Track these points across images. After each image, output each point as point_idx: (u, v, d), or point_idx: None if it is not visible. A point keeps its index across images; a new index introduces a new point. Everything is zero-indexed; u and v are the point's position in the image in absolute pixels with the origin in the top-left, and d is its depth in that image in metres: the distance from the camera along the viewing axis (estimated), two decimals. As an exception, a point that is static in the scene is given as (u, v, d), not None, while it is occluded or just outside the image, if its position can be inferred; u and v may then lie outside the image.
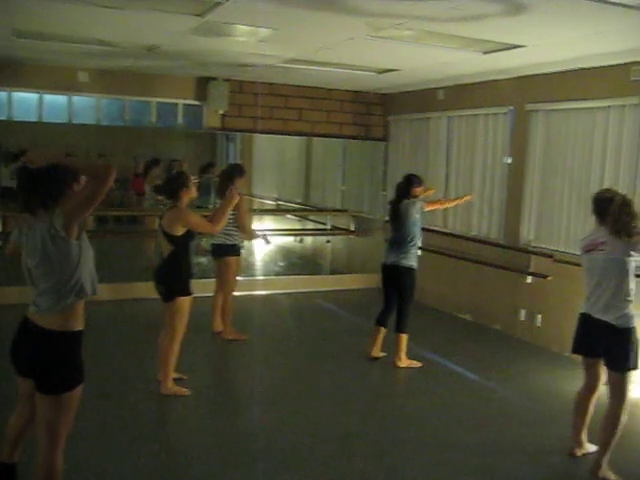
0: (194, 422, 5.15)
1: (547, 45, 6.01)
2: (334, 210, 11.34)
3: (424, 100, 9.46)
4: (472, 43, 6.22)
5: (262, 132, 10.03)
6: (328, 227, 10.93)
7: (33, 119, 9.05)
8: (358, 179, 11.19)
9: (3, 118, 8.90)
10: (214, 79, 9.27)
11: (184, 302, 5.42)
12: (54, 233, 3.11)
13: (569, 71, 7.07)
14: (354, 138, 10.53)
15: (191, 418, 5.25)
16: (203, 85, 9.33)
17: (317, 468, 4.34)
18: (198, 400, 5.56)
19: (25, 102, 8.99)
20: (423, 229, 6.72)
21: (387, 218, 6.89)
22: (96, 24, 6.11)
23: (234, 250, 7.13)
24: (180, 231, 5.37)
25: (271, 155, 14.01)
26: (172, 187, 5.56)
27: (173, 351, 5.48)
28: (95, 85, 8.94)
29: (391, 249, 6.52)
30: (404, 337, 6.48)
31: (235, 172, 7.06)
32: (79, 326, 3.26)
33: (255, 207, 13.72)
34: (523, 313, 7.74)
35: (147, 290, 6.87)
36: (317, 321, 8.44)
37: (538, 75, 7.47)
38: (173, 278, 5.45)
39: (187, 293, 5.44)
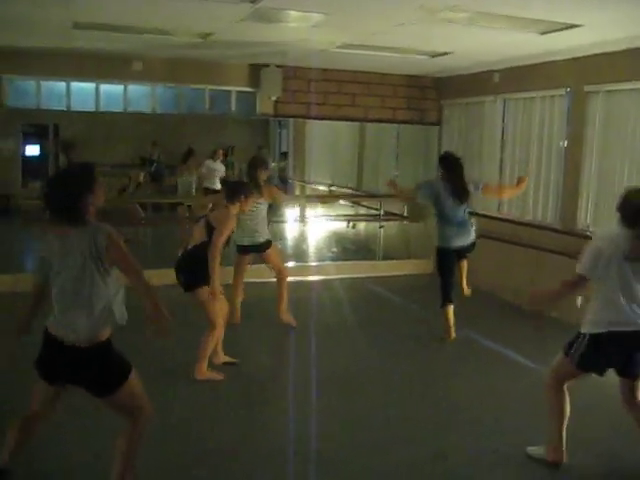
0: (236, 407, 5.19)
1: (606, 23, 5.84)
2: (387, 195, 11.29)
3: (479, 83, 9.31)
4: (528, 24, 6.09)
5: (315, 118, 10.03)
6: (381, 212, 10.88)
7: (90, 108, 9.23)
8: (412, 164, 11.10)
9: (62, 108, 9.10)
10: (267, 66, 9.29)
11: (205, 291, 5.45)
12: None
13: (629, 50, 6.85)
14: (407, 123, 10.44)
15: (234, 402, 5.29)
16: (256, 72, 9.36)
17: (367, 455, 4.35)
18: (245, 384, 5.62)
19: (83, 92, 9.17)
20: (477, 214, 6.67)
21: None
22: (151, 13, 6.20)
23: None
24: None
25: (324, 141, 14.01)
26: (234, 191, 5.73)
27: (209, 338, 5.56)
28: (149, 73, 9.05)
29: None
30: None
31: (258, 164, 7.02)
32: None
33: (308, 193, 13.77)
34: (580, 300, 7.58)
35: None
36: (371, 307, 8.43)
37: (597, 55, 7.25)
38: (194, 269, 5.47)
39: (207, 283, 5.43)
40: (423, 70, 9.62)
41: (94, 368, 3.26)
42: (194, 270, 5.46)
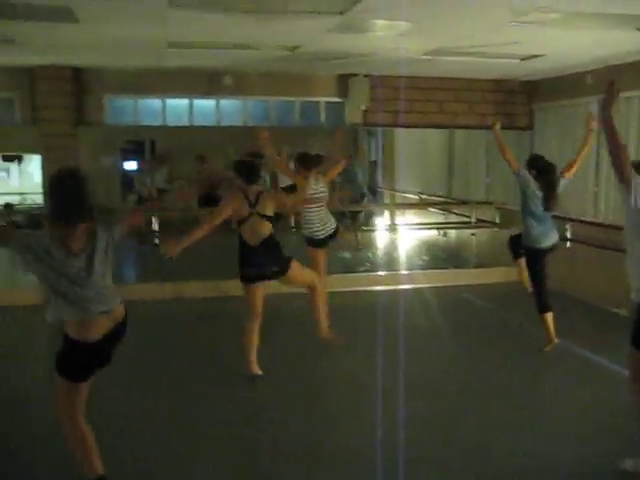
0: (326, 411, 5.22)
1: None
2: (478, 202, 11.11)
3: (572, 85, 9.05)
4: (622, 20, 5.87)
5: (403, 126, 10.03)
6: (472, 220, 10.72)
7: (184, 123, 9.56)
8: (502, 170, 10.88)
9: (158, 124, 9.47)
10: (355, 75, 9.36)
11: (294, 264, 5.76)
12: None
13: None
14: (497, 128, 10.26)
15: (324, 407, 5.33)
16: (344, 82, 9.45)
17: (460, 459, 4.29)
18: (335, 389, 5.65)
19: (177, 108, 9.52)
20: (572, 220, 6.45)
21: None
22: (240, 29, 6.36)
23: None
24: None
25: (413, 149, 13.95)
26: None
27: (315, 299, 5.95)
28: (240, 88, 9.29)
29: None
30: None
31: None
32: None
33: (398, 201, 13.73)
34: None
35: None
36: (462, 314, 8.29)
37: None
38: (277, 255, 5.70)
39: (243, 280, 5.65)
40: (512, 74, 9.44)
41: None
42: (277, 255, 5.68)
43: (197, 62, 8.30)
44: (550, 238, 6.39)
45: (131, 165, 14.29)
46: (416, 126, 10.05)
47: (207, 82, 9.15)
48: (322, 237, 6.81)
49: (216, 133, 11.05)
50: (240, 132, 10.12)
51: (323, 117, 9.77)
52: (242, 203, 5.52)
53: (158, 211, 9.84)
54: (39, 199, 9.60)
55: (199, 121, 9.58)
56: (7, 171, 15.45)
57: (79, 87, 8.84)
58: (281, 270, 5.71)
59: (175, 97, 9.39)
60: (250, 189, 5.56)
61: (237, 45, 7.20)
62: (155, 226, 9.25)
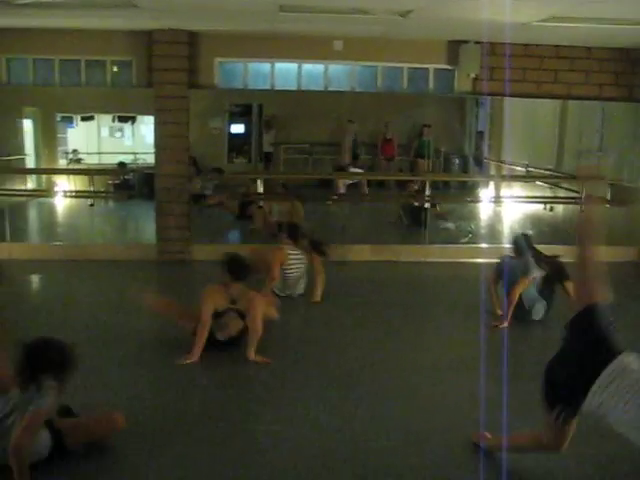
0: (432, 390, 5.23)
1: None
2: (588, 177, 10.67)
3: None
4: None
5: (514, 95, 9.71)
6: (582, 195, 10.32)
7: (293, 87, 9.63)
8: (618, 145, 10.42)
9: (266, 88, 9.59)
10: (465, 42, 9.13)
11: None
12: None
13: None
14: (615, 100, 9.78)
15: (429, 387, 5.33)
16: (454, 49, 9.24)
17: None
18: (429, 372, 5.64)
19: (286, 72, 9.59)
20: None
21: None
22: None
23: None
24: None
25: (522, 119, 13.52)
26: None
27: None
28: (349, 53, 9.26)
29: None
30: None
31: None
32: None
33: (504, 173, 13.40)
34: None
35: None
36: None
37: None
38: None
39: None
40: (637, 42, 8.94)
41: None
42: None
43: (308, 26, 8.32)
44: None
45: (238, 128, 14.57)
46: (528, 96, 9.71)
47: (317, 47, 9.17)
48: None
49: (323, 98, 11.08)
50: (347, 98, 10.13)
51: (431, 85, 9.60)
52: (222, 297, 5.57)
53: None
54: (150, 159, 9.95)
55: (307, 86, 9.63)
56: (121, 131, 16.11)
57: (193, 51, 9.05)
58: None
59: (285, 61, 9.46)
60: (234, 286, 5.56)
61: (349, 10, 7.16)
62: (260, 188, 9.46)
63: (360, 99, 10.62)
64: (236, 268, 5.57)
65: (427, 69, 9.56)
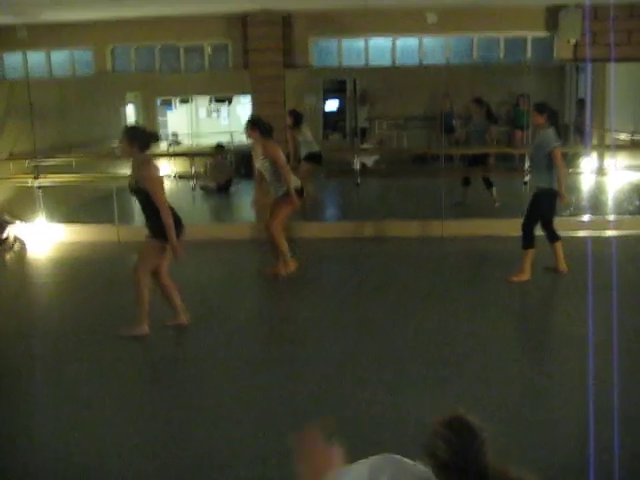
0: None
1: None
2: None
3: None
4: None
5: (618, 60, 9.31)
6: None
7: (387, 63, 9.59)
8: None
9: (360, 64, 9.59)
10: (565, 7, 8.81)
11: None
12: None
13: None
14: None
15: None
16: (553, 14, 8.94)
17: None
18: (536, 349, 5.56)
19: (380, 47, 9.56)
20: None
21: None
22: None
23: None
24: None
25: (627, 85, 12.92)
26: None
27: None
28: (443, 25, 9.11)
29: None
30: None
31: None
32: None
33: (608, 142, 12.88)
34: None
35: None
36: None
37: None
38: None
39: None
40: None
41: None
42: None
43: (401, 1, 8.25)
44: None
45: (333, 105, 14.61)
46: (635, 60, 9.29)
47: (410, 20, 9.07)
48: None
49: (417, 72, 10.96)
50: (442, 71, 9.98)
51: (529, 53, 9.33)
52: None
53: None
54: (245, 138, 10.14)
55: (401, 60, 9.56)
56: (218, 112, 16.48)
57: (287, 31, 9.14)
58: None
59: (378, 37, 9.42)
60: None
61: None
62: (357, 166, 9.50)
63: (455, 71, 10.43)
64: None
65: (525, 37, 9.30)
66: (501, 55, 9.39)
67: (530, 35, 9.26)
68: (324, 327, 5.95)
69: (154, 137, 5.80)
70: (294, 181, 7.06)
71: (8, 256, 8.96)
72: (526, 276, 6.87)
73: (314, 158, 9.89)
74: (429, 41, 9.46)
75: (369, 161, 11.59)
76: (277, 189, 7.14)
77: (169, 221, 5.42)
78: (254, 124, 7.05)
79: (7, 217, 9.34)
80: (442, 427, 1.88)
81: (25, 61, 10.07)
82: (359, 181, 9.48)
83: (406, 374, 4.84)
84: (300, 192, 7.15)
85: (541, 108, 6.80)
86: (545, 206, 6.83)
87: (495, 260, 7.98)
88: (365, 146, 12.89)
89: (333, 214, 11.41)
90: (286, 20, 9.10)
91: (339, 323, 6.03)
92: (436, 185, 9.57)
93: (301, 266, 7.42)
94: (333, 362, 5.13)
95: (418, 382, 4.70)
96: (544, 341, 5.67)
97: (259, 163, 7.13)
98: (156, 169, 5.54)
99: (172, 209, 5.61)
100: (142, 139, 5.52)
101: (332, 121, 14.29)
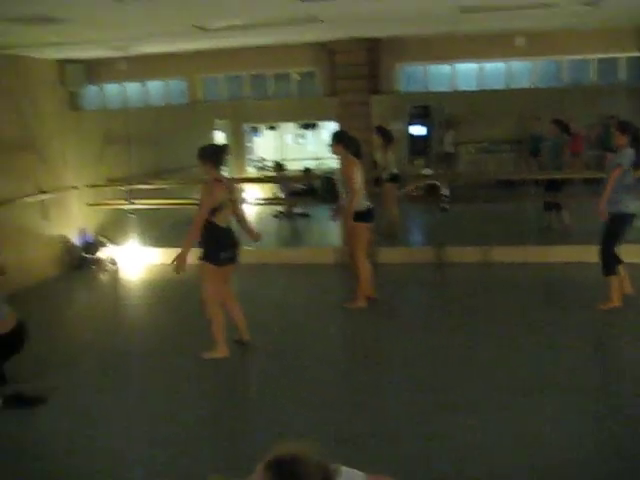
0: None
1: None
2: None
3: None
4: None
5: None
6: None
7: (473, 87, 9.55)
8: None
9: (447, 89, 9.59)
10: (659, 26, 8.58)
11: None
12: None
13: None
14: None
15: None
16: (647, 34, 8.71)
17: None
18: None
19: (466, 72, 9.54)
20: None
21: None
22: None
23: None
24: None
25: None
26: None
27: None
28: (531, 48, 9.00)
29: None
30: None
31: None
32: None
33: None
34: None
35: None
36: None
37: None
38: None
39: None
40: None
41: None
42: None
43: (489, 25, 8.21)
44: None
45: (418, 130, 14.62)
46: None
47: (498, 44, 9.02)
48: None
49: (504, 95, 10.86)
50: (529, 94, 9.86)
51: (624, 75, 9.09)
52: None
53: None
54: (332, 163, 10.25)
55: (488, 84, 9.51)
56: (304, 137, 16.75)
57: (373, 57, 9.25)
58: None
59: (465, 62, 9.41)
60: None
61: (532, 4, 6.98)
62: (445, 191, 9.42)
63: (544, 94, 10.29)
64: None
65: (616, 58, 9.08)
66: (592, 77, 9.19)
67: (623, 56, 9.03)
68: (407, 352, 5.92)
69: (224, 151, 5.91)
70: (361, 204, 6.96)
71: (102, 276, 9.34)
72: (614, 303, 6.62)
73: (396, 179, 9.95)
74: (517, 64, 9.37)
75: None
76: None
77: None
78: (338, 138, 6.99)
79: (102, 239, 9.77)
80: (264, 470, 1.77)
81: (123, 91, 10.59)
82: (446, 206, 9.41)
83: (493, 400, 4.78)
84: (367, 215, 7.06)
85: (623, 127, 6.50)
86: (616, 229, 6.56)
87: (583, 287, 7.72)
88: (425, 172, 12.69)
89: (418, 239, 11.36)
90: (372, 47, 9.21)
91: (421, 348, 5.98)
92: (523, 209, 9.41)
93: (382, 294, 7.40)
94: (420, 387, 5.11)
95: (502, 409, 4.62)
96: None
97: (338, 177, 7.11)
98: (208, 190, 5.60)
99: (230, 231, 5.75)
100: (211, 157, 5.68)
101: (418, 146, 14.27)
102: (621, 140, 6.45)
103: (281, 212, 12.82)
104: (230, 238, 5.73)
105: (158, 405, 5.02)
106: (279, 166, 13.74)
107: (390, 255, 9.04)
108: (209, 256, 5.62)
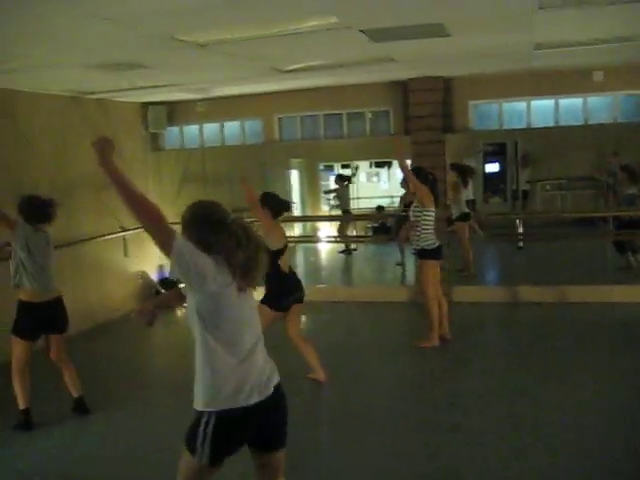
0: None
1: None
2: None
3: None
4: None
5: None
6: None
7: (549, 124, 9.42)
8: None
9: (522, 126, 9.51)
10: None
11: None
12: None
13: None
14: None
15: None
16: None
17: None
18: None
19: (541, 108, 9.44)
20: None
21: None
22: (615, 22, 6.08)
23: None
24: None
25: None
26: None
27: None
28: (610, 83, 8.86)
29: None
30: None
31: None
32: None
33: None
34: None
35: None
36: None
37: None
38: None
39: None
40: None
41: None
42: None
43: (564, 61, 8.12)
44: None
45: (493, 167, 14.46)
46: None
47: (575, 80, 8.90)
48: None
49: (581, 131, 10.67)
50: (608, 129, 9.64)
51: None
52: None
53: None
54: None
55: (565, 120, 9.37)
56: (378, 176, 16.79)
57: (446, 96, 9.26)
58: None
59: (540, 98, 9.32)
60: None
61: (610, 39, 6.88)
62: (520, 229, 9.29)
63: (623, 129, 10.04)
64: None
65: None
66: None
67: None
68: (479, 394, 5.79)
69: (285, 205, 6.00)
70: (430, 241, 6.95)
71: (178, 311, 9.55)
72: None
73: (466, 218, 9.87)
74: (594, 100, 9.21)
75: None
76: (416, 242, 7.04)
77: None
78: (416, 173, 6.97)
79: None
80: None
81: (201, 132, 10.93)
82: (521, 244, 9.26)
83: (563, 442, 4.62)
84: (436, 252, 7.00)
85: None
86: None
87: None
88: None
89: (493, 278, 11.18)
90: (446, 85, 9.23)
91: (494, 390, 5.84)
92: (601, 248, 9.16)
93: (454, 334, 7.29)
94: (491, 429, 5.00)
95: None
96: None
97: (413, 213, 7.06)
98: (274, 229, 5.74)
99: (293, 273, 5.92)
100: (274, 206, 5.77)
101: (492, 184, 14.09)
102: None
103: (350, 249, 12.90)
104: (296, 280, 5.94)
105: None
106: (380, 208, 13.80)
107: (465, 294, 8.93)
108: (271, 302, 5.73)
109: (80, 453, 5.02)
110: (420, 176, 6.94)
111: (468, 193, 10.07)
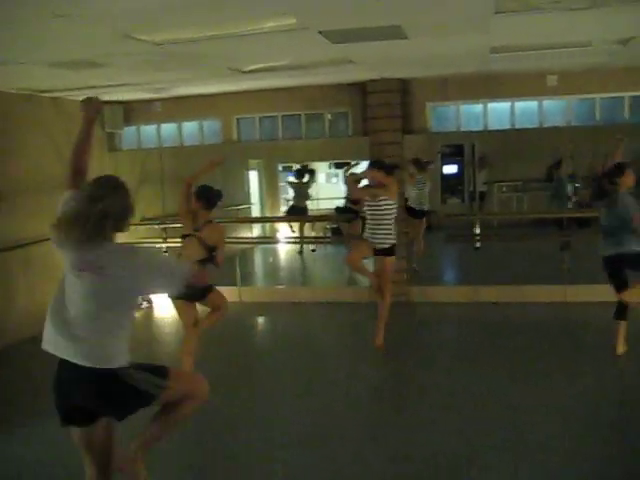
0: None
1: None
2: None
3: None
4: None
5: None
6: None
7: (505, 127, 9.56)
8: None
9: (479, 129, 9.62)
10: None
11: None
12: None
13: None
14: None
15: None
16: (681, 72, 8.66)
17: None
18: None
19: (498, 111, 9.56)
20: None
21: None
22: (573, 27, 6.18)
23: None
24: None
25: None
26: None
27: None
28: (564, 87, 9.01)
29: None
30: None
31: None
32: None
33: None
34: None
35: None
36: None
37: None
38: None
39: None
40: None
41: None
42: None
43: (520, 65, 8.25)
44: None
45: (450, 169, 14.60)
46: None
47: (530, 83, 9.04)
48: None
49: (537, 134, 10.84)
50: (562, 132, 9.81)
51: (658, 112, 9.03)
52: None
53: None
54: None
55: (521, 123, 9.52)
56: (337, 177, 16.80)
57: (405, 97, 9.32)
58: None
59: (497, 101, 9.44)
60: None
61: (564, 44, 7.01)
62: (477, 229, 9.40)
63: (577, 133, 10.24)
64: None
65: (646, 96, 9.04)
66: (626, 115, 9.14)
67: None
68: (437, 395, 5.84)
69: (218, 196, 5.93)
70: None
71: (136, 314, 9.41)
72: None
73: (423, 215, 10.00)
74: (549, 103, 9.37)
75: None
76: (385, 239, 6.97)
77: None
78: (382, 167, 6.84)
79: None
80: None
81: (159, 132, 10.82)
82: (479, 245, 9.37)
83: (530, 444, 4.69)
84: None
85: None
86: None
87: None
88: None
89: (450, 278, 11.29)
90: (404, 87, 9.29)
91: (448, 391, 5.88)
92: (555, 249, 9.37)
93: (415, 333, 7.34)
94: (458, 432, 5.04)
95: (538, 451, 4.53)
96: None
97: (377, 208, 6.91)
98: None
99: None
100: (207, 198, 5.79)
101: (450, 185, 14.23)
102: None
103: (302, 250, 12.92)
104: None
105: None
106: (339, 209, 13.80)
107: (423, 293, 9.03)
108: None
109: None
110: (386, 168, 6.84)
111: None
